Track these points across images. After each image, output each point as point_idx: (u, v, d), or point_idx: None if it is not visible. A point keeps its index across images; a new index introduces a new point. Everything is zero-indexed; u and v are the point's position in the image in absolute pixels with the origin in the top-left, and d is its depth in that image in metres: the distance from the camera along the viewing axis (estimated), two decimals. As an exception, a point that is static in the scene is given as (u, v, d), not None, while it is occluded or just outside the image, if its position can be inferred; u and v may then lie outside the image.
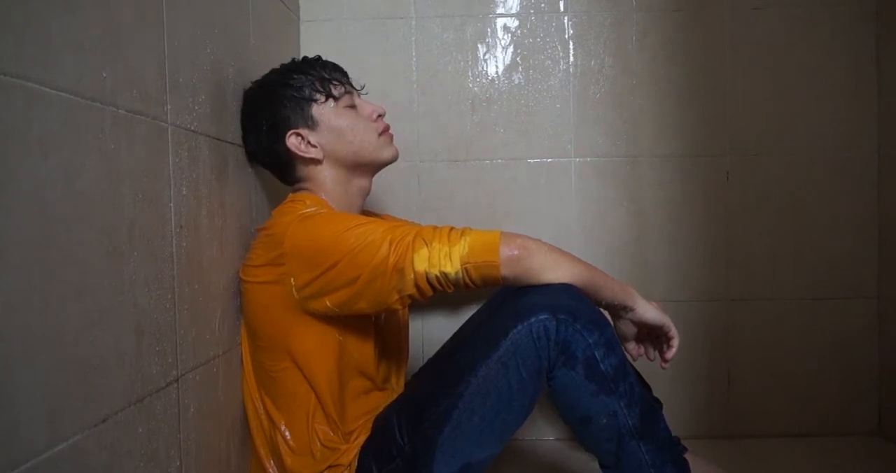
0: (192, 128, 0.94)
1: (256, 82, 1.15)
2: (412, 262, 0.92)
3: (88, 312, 0.68)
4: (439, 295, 0.98)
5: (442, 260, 0.93)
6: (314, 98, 1.10)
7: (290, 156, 1.11)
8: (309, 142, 1.10)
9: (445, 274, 0.93)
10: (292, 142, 1.09)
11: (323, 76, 1.12)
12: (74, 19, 0.67)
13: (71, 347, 0.65)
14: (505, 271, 0.94)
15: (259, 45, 1.24)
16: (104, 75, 0.72)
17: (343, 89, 1.13)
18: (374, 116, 1.14)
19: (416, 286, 0.94)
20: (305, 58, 1.16)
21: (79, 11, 0.68)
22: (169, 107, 0.87)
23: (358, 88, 1.18)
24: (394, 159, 1.16)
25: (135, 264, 0.77)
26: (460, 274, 0.93)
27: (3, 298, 0.56)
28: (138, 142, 0.78)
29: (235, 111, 1.12)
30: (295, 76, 1.11)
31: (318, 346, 1.03)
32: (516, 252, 0.94)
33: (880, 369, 1.53)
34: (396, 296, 0.95)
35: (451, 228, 0.97)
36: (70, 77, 0.66)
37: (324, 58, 1.17)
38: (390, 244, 0.93)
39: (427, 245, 0.93)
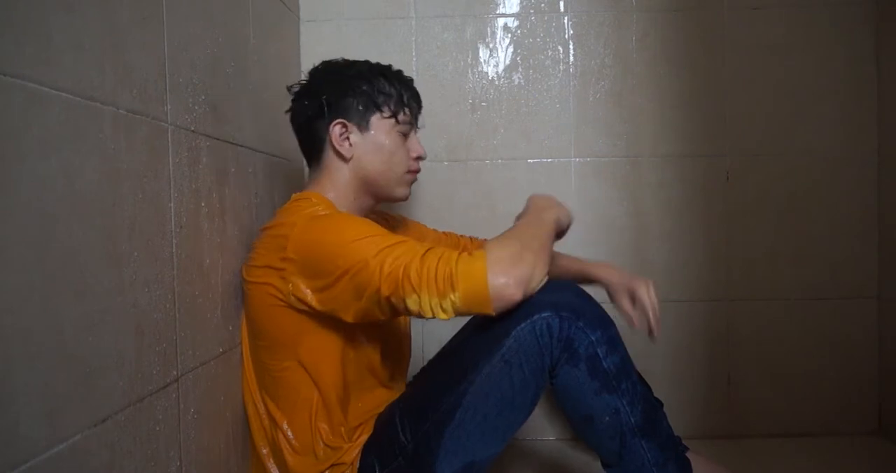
0: (192, 128, 0.94)
1: (347, 61, 1.15)
2: (404, 301, 0.91)
3: (88, 313, 0.68)
4: None
5: (434, 309, 0.90)
6: (381, 108, 1.10)
7: (324, 138, 1.11)
8: (348, 139, 1.10)
9: (439, 318, 0.92)
10: (336, 129, 1.10)
11: (403, 96, 1.12)
12: (74, 19, 0.67)
13: (71, 347, 0.65)
14: (498, 311, 0.91)
15: (259, 45, 1.24)
16: (104, 75, 0.71)
17: (408, 118, 1.14)
18: (415, 155, 1.15)
19: (409, 314, 0.94)
20: (401, 73, 1.16)
21: (79, 11, 0.68)
22: (169, 107, 0.87)
23: (420, 127, 1.20)
24: (403, 199, 1.17)
25: (135, 264, 0.77)
26: (454, 316, 0.93)
27: (3, 298, 0.56)
28: (138, 142, 0.78)
29: (235, 111, 1.12)
30: (382, 80, 1.11)
31: (324, 346, 1.03)
32: (507, 298, 0.89)
33: (880, 369, 1.54)
34: (395, 314, 0.96)
35: (438, 264, 0.90)
36: (70, 77, 0.66)
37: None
38: (380, 274, 0.90)
39: (416, 291, 0.89)
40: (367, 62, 1.16)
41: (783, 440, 1.52)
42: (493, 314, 0.91)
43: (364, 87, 1.10)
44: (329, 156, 1.12)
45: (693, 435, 1.40)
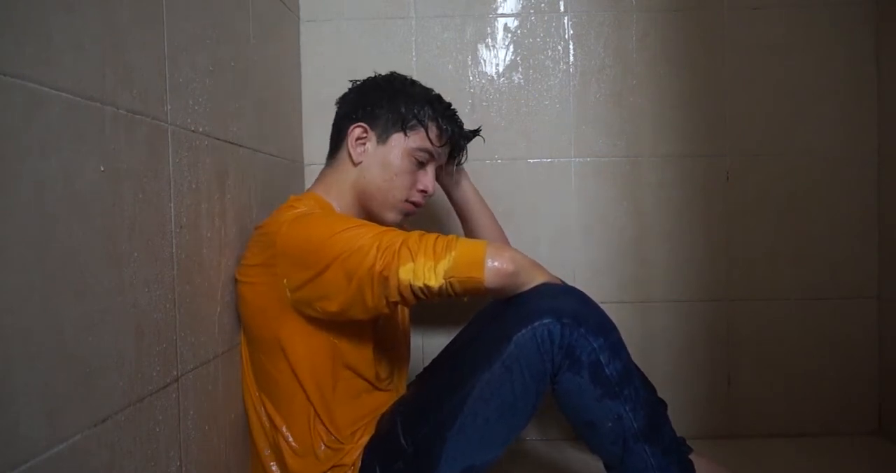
0: (192, 128, 0.94)
1: (411, 79, 1.18)
2: (397, 272, 0.91)
3: (88, 313, 0.68)
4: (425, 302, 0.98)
5: (426, 273, 0.91)
6: (406, 130, 1.11)
7: (345, 136, 1.13)
8: (365, 144, 1.12)
9: (429, 287, 0.92)
10: (356, 131, 1.12)
11: (439, 130, 1.13)
12: (74, 19, 0.67)
13: (71, 347, 0.65)
14: (489, 285, 0.93)
15: (259, 45, 1.24)
16: (104, 75, 0.71)
17: (432, 150, 1.13)
18: (420, 187, 1.14)
19: (400, 294, 0.93)
20: (453, 113, 1.17)
21: (79, 11, 0.68)
22: (169, 107, 0.87)
23: (457, 161, 1.23)
24: (391, 224, 1.12)
25: (135, 264, 0.77)
26: (444, 288, 0.92)
27: (3, 298, 0.56)
28: (138, 142, 0.78)
29: (235, 111, 1.12)
30: (427, 108, 1.12)
31: (309, 348, 1.02)
32: (501, 268, 0.93)
33: (880, 369, 1.54)
34: (384, 302, 0.94)
35: (437, 238, 0.95)
36: (70, 77, 0.66)
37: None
38: (377, 250, 0.92)
39: (413, 258, 0.92)
40: (429, 90, 1.17)
41: (783, 440, 1.52)
42: (485, 285, 0.93)
43: (402, 106, 1.11)
44: (343, 155, 1.14)
45: (693, 435, 1.40)
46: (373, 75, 1.19)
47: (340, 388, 1.06)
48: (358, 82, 1.19)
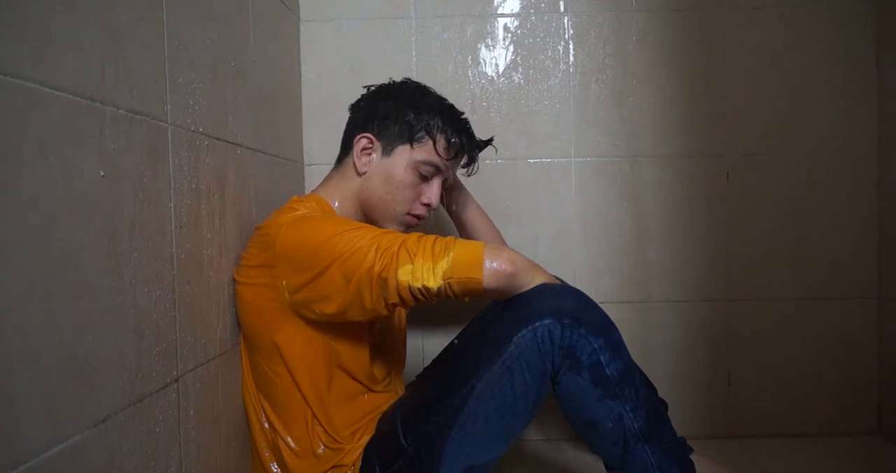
0: (192, 128, 0.94)
1: (425, 88, 1.16)
2: (395, 273, 0.91)
3: (88, 312, 0.68)
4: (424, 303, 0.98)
5: (425, 274, 0.91)
6: (412, 142, 1.09)
7: (351, 145, 1.13)
8: (370, 155, 1.11)
9: (428, 289, 0.92)
10: (361, 142, 1.11)
11: (448, 143, 1.11)
12: (74, 19, 0.67)
13: (71, 347, 0.65)
14: (488, 286, 0.93)
15: (259, 45, 1.24)
16: (104, 75, 0.71)
17: (437, 163, 1.11)
18: (423, 200, 1.13)
19: (399, 295, 0.93)
20: (466, 125, 1.14)
21: (79, 11, 0.68)
22: (169, 107, 0.87)
23: (467, 171, 1.20)
24: None
25: (135, 264, 0.77)
26: (443, 289, 0.92)
27: (3, 298, 0.56)
28: (138, 142, 0.78)
29: (235, 111, 1.12)
30: (437, 120, 1.10)
31: (306, 351, 1.02)
32: (499, 269, 0.93)
33: (880, 369, 1.54)
34: (383, 303, 0.94)
35: (436, 239, 0.95)
36: (70, 77, 0.66)
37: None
38: (376, 251, 0.92)
39: (411, 259, 0.92)
40: (442, 100, 1.15)
41: (783, 440, 1.52)
42: (483, 286, 0.92)
43: (411, 116, 1.10)
44: (349, 162, 1.14)
45: (693, 435, 1.40)
46: (387, 82, 1.18)
47: (336, 390, 1.06)
48: (372, 88, 1.18)
